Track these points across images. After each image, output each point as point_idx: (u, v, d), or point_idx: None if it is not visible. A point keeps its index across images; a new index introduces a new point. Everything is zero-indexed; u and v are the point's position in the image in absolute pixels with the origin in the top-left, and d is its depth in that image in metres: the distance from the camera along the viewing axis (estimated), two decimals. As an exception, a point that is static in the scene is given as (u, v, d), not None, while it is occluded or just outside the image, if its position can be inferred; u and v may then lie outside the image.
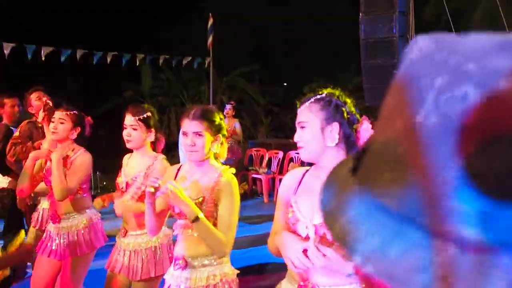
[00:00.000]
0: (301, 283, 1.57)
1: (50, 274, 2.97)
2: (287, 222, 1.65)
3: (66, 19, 14.22)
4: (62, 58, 7.91)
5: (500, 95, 0.35)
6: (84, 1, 14.36)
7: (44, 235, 3.04)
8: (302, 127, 1.60)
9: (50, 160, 2.84)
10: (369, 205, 0.42)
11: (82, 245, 2.92)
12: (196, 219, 1.93)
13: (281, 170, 8.03)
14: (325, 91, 1.62)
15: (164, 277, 2.24)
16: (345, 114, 1.59)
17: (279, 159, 8.23)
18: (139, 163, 2.69)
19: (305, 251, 1.45)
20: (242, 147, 8.22)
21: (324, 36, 14.84)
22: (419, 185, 0.38)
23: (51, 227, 2.99)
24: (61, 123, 2.93)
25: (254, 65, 14.88)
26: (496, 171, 0.35)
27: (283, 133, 13.94)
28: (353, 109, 1.64)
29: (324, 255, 1.43)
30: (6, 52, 7.11)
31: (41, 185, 3.13)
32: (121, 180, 2.73)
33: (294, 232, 1.62)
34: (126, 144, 2.66)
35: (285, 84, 17.29)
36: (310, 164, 1.71)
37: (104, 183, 8.22)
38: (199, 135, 2.04)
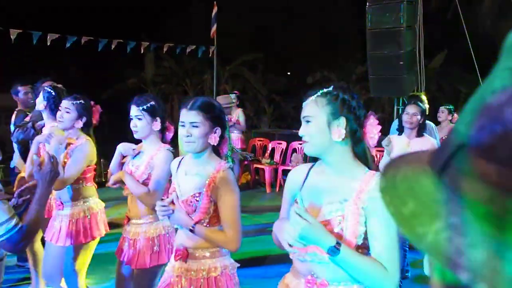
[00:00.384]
0: (309, 278, 1.56)
1: (57, 260, 3.00)
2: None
3: (72, 6, 14.18)
4: (67, 45, 7.92)
5: None
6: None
7: (50, 221, 3.07)
8: (308, 121, 1.56)
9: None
10: (469, 212, 0.36)
11: (81, 233, 2.94)
12: (192, 229, 2.00)
13: (284, 161, 8.03)
14: (332, 85, 1.59)
15: (165, 268, 2.24)
16: (352, 109, 1.55)
17: (282, 149, 8.21)
18: (145, 153, 2.70)
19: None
20: (246, 137, 8.19)
21: (328, 25, 14.74)
22: None
23: (56, 213, 3.04)
24: (67, 112, 2.97)
25: (257, 54, 14.80)
26: None
27: (285, 122, 13.91)
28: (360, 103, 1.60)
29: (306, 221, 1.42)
30: (13, 37, 7.25)
31: None
32: (128, 169, 2.74)
33: None
34: (134, 134, 2.67)
35: (288, 73, 17.20)
36: (314, 159, 1.68)
37: (108, 169, 8.21)
38: (195, 126, 2.02)
